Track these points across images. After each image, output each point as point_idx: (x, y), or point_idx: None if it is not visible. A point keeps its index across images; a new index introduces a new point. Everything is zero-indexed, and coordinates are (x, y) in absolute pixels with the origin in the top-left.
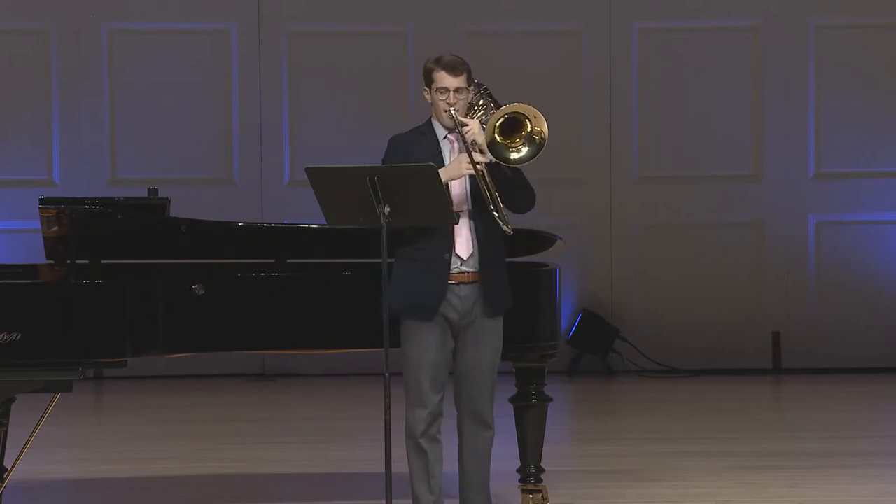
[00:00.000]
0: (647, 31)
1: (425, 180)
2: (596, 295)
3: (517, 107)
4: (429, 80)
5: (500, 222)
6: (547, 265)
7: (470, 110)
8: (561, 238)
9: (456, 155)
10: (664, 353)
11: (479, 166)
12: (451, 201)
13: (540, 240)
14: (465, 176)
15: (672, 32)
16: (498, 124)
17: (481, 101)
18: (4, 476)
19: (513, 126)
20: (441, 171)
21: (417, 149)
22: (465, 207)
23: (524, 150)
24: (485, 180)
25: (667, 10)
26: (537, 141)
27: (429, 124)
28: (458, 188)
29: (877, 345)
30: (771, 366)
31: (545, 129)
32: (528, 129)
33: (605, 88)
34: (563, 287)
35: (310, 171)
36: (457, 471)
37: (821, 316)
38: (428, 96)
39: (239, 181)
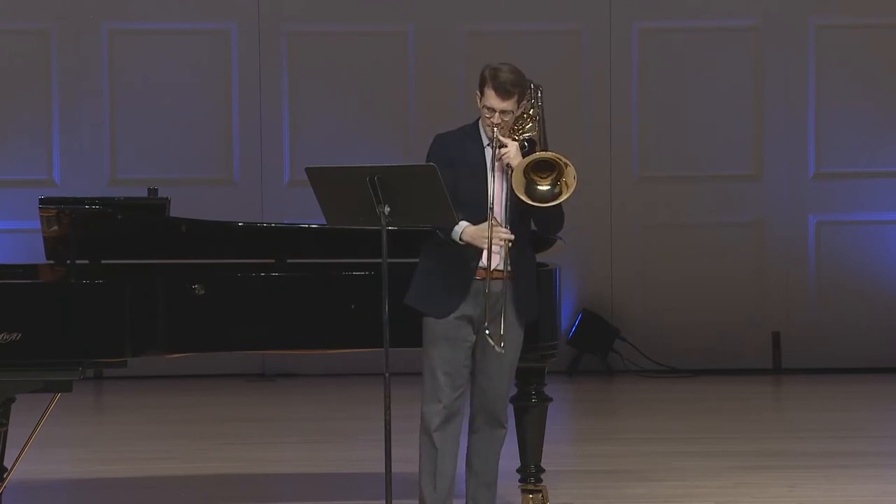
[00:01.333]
0: (647, 31)
1: (425, 180)
2: (596, 295)
3: (553, 156)
4: (480, 89)
5: (491, 341)
6: (547, 265)
7: (518, 121)
8: (561, 238)
9: (495, 164)
10: (664, 353)
11: (502, 243)
12: (450, 203)
13: (540, 240)
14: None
15: (672, 32)
16: (535, 160)
17: (532, 111)
18: (4, 476)
19: (545, 166)
20: (466, 231)
21: (462, 153)
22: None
23: (543, 188)
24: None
25: (667, 10)
26: (560, 190)
27: (475, 126)
28: (497, 194)
29: (877, 345)
30: (771, 366)
31: (572, 182)
32: (556, 175)
33: (605, 88)
34: (563, 287)
35: (310, 171)
36: (465, 467)
37: (821, 316)
38: (478, 101)
39: (239, 181)
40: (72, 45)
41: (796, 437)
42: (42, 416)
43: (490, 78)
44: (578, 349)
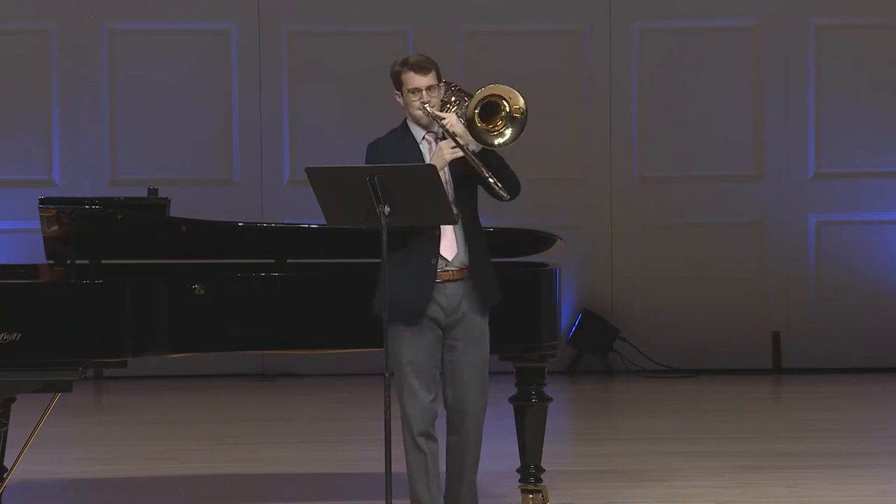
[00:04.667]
0: (647, 31)
1: (425, 180)
2: (596, 295)
3: (491, 88)
4: (398, 83)
5: (497, 187)
6: (547, 265)
7: (444, 108)
8: (561, 238)
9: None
10: (664, 353)
11: (461, 143)
12: (451, 203)
13: (540, 240)
14: (448, 164)
15: (672, 32)
16: (477, 112)
17: (453, 98)
18: (4, 476)
19: (491, 110)
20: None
21: (396, 152)
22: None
23: (507, 132)
24: (472, 156)
25: (667, 10)
26: (519, 119)
27: (405, 127)
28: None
29: (877, 345)
30: (771, 366)
31: (522, 103)
32: (507, 110)
33: (605, 88)
34: (563, 287)
35: (310, 171)
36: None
37: (821, 316)
38: (400, 100)
39: (239, 181)
40: (72, 45)
41: (796, 437)
42: (42, 416)
43: (402, 66)
44: (578, 349)
